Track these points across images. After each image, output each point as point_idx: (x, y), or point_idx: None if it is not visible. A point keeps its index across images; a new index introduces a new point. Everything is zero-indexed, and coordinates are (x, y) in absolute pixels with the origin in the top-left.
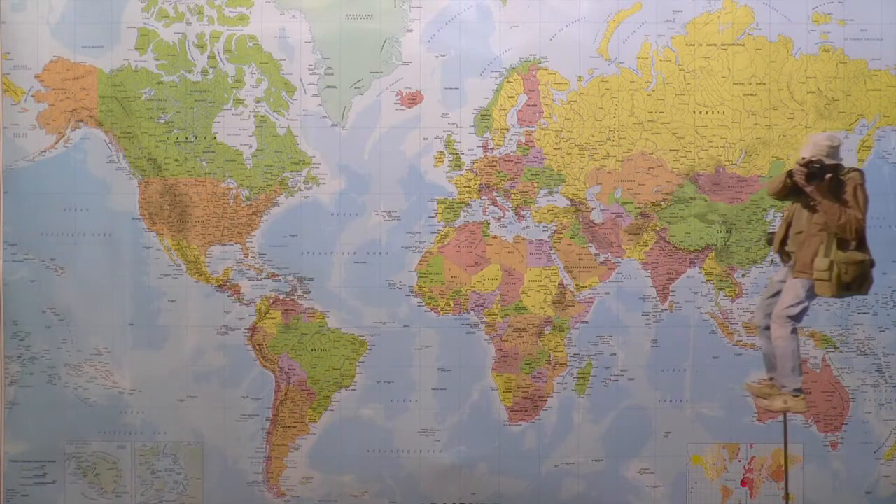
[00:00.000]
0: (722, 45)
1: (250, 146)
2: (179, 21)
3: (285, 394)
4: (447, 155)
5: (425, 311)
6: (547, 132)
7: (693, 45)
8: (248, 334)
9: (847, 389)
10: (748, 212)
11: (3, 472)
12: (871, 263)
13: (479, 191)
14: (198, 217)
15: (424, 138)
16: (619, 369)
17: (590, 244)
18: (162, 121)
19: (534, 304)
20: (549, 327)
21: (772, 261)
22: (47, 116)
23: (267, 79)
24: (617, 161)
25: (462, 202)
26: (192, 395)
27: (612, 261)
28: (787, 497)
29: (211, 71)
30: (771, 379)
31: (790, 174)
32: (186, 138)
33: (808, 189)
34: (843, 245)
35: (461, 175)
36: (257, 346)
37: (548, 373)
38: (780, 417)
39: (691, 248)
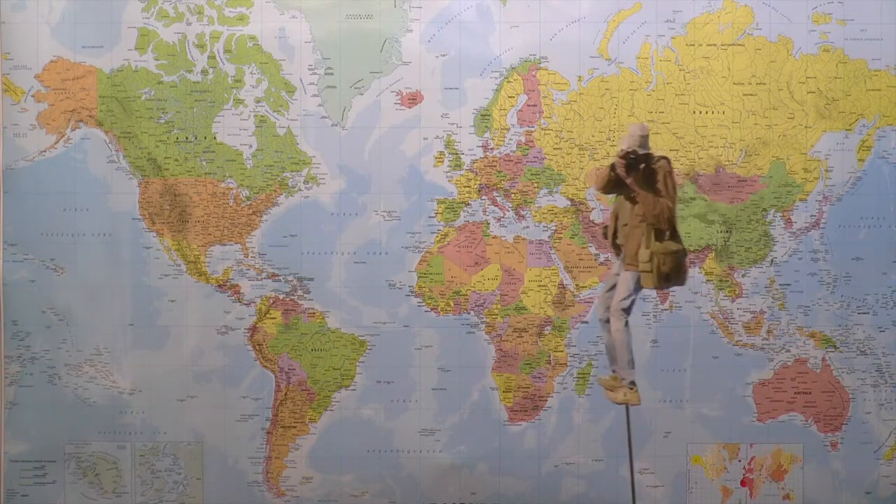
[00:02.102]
0: (722, 45)
1: (250, 146)
2: (179, 21)
3: (285, 394)
4: (447, 155)
5: (425, 311)
6: (547, 132)
7: (693, 45)
8: (248, 334)
9: (847, 389)
10: (748, 212)
11: (3, 472)
12: (685, 253)
13: (479, 191)
14: (198, 217)
15: (424, 138)
16: None
17: (590, 244)
18: (162, 121)
19: (534, 304)
20: (549, 327)
21: (772, 260)
22: (47, 116)
23: (267, 79)
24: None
25: (462, 202)
26: (192, 395)
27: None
28: (633, 488)
29: (211, 71)
30: (614, 371)
31: (613, 167)
32: (186, 138)
33: (629, 181)
34: (659, 235)
35: (461, 175)
36: (257, 346)
37: (548, 373)
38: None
39: (691, 248)
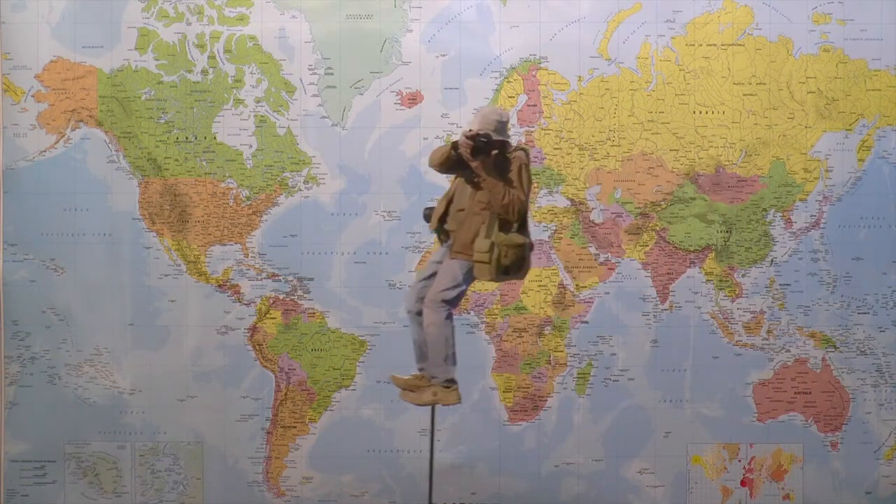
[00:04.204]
0: (722, 45)
1: (250, 146)
2: (179, 21)
3: (285, 394)
4: None
5: None
6: (547, 132)
7: (693, 45)
8: (248, 334)
9: (847, 389)
10: (748, 212)
11: (3, 472)
12: (531, 247)
13: None
14: (198, 217)
15: (424, 138)
16: (619, 369)
17: (590, 244)
18: (162, 121)
19: (534, 304)
20: (549, 327)
21: (772, 260)
22: (47, 116)
23: (267, 79)
24: (617, 161)
25: None
26: (192, 395)
27: (612, 261)
28: (430, 487)
29: (211, 71)
30: (421, 370)
31: (455, 146)
32: (186, 138)
33: (473, 164)
34: (504, 227)
35: None
36: (257, 346)
37: (548, 373)
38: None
39: (691, 248)
